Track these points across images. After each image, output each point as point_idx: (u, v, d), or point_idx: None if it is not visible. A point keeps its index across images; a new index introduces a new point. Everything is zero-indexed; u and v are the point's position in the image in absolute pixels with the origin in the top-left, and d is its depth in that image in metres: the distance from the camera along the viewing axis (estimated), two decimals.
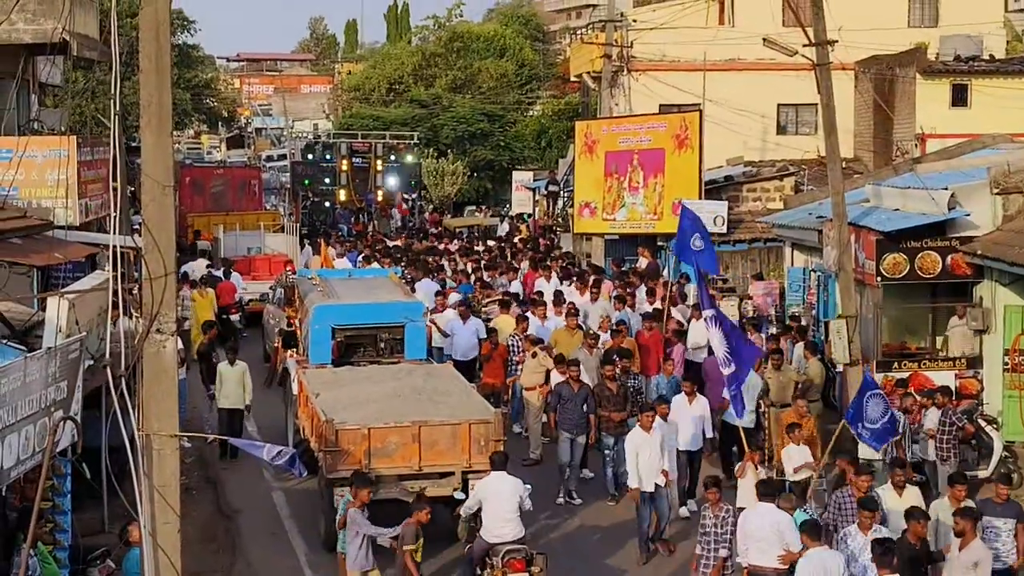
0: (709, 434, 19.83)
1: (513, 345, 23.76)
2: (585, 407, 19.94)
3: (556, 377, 21.39)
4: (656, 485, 17.57)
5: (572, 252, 39.00)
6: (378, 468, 16.98)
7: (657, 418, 17.81)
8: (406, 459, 17.16)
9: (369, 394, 18.64)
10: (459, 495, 16.72)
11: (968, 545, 13.71)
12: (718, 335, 17.81)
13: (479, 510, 15.62)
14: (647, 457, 17.45)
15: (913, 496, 15.30)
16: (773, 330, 25.72)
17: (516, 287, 30.00)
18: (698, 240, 23.85)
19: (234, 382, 22.54)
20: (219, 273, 34.05)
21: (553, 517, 19.34)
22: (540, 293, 27.80)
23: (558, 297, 26.73)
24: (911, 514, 14.11)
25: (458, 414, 17.73)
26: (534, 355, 22.56)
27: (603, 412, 19.99)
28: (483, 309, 27.37)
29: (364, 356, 21.41)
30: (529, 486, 15.92)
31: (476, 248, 40.64)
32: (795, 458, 17.70)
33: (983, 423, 20.37)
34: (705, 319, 18.64)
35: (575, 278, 29.71)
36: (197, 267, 36.47)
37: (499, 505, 15.31)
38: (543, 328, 24.57)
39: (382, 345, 21.48)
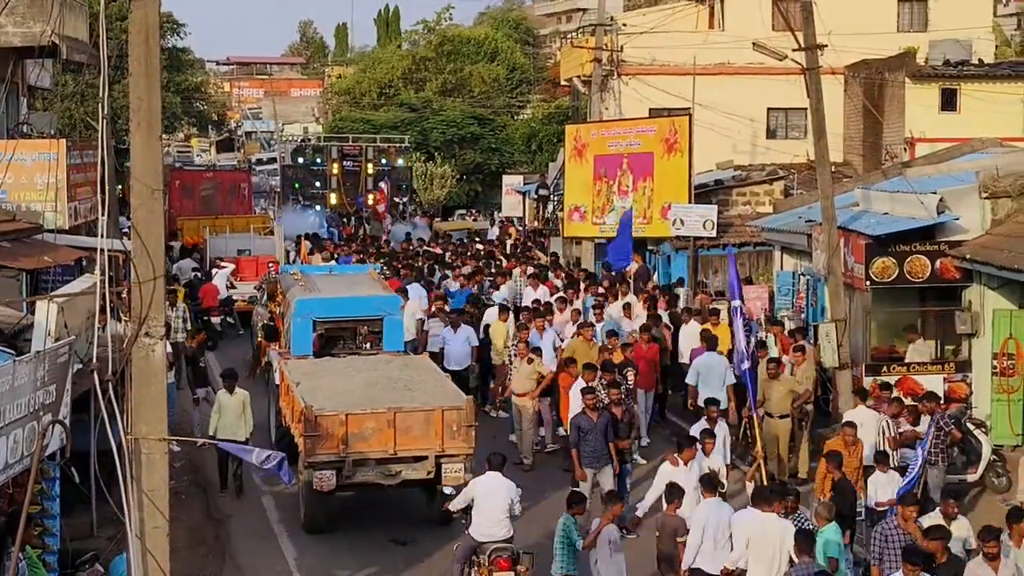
0: (727, 459, 18.27)
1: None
2: (606, 436, 18.38)
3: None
4: None
5: (551, 252, 38.94)
6: (355, 452, 17.73)
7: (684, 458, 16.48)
8: (382, 443, 17.89)
9: (347, 382, 19.43)
10: (448, 490, 17.00)
11: (1002, 565, 13.61)
12: (741, 328, 18.16)
13: (469, 507, 15.79)
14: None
15: (963, 527, 14.71)
16: (763, 335, 25.72)
17: (505, 292, 29.82)
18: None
19: (234, 413, 20.38)
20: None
21: (540, 518, 19.37)
22: (537, 302, 27.36)
23: (548, 307, 26.28)
24: (928, 532, 13.76)
25: (431, 401, 18.49)
26: (529, 361, 22.22)
27: None
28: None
29: (344, 348, 22.23)
30: (520, 490, 16.06)
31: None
32: (884, 487, 16.63)
33: (972, 427, 20.40)
34: (732, 308, 18.61)
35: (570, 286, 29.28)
36: (184, 266, 36.89)
37: (491, 505, 15.48)
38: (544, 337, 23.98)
39: (361, 337, 22.23)
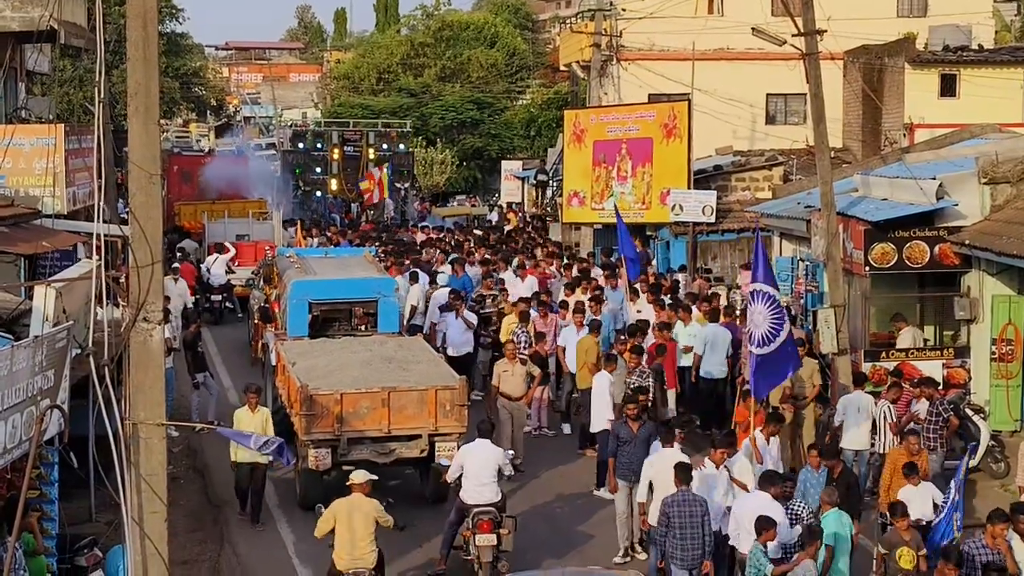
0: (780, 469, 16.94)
1: (514, 338, 23.16)
2: (648, 448, 17.16)
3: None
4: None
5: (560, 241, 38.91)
6: (350, 431, 18.05)
7: (709, 463, 15.93)
8: (376, 422, 18.24)
9: (342, 362, 19.70)
10: (444, 462, 17.70)
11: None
12: (763, 312, 17.54)
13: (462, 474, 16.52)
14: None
15: None
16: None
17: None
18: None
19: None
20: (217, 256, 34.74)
21: (530, 493, 19.70)
22: (537, 294, 26.70)
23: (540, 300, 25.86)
24: (944, 553, 13.26)
25: (425, 381, 18.82)
26: (523, 362, 21.48)
27: None
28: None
29: (339, 329, 22.48)
30: (511, 452, 17.46)
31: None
32: (913, 501, 15.37)
33: (970, 412, 20.41)
34: (752, 291, 17.85)
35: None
36: (187, 246, 37.83)
37: (478, 470, 16.27)
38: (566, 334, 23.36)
39: (356, 319, 22.53)
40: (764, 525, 13.72)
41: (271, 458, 16.45)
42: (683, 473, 14.83)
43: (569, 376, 23.30)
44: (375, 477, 15.34)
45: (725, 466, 16.03)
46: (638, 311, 25.41)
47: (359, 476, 15.05)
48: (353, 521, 14.66)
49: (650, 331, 23.31)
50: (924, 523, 15.24)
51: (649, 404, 19.12)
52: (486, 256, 33.53)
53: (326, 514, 14.82)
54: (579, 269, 30.32)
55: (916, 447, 16.64)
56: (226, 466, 20.22)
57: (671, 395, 22.41)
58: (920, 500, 15.52)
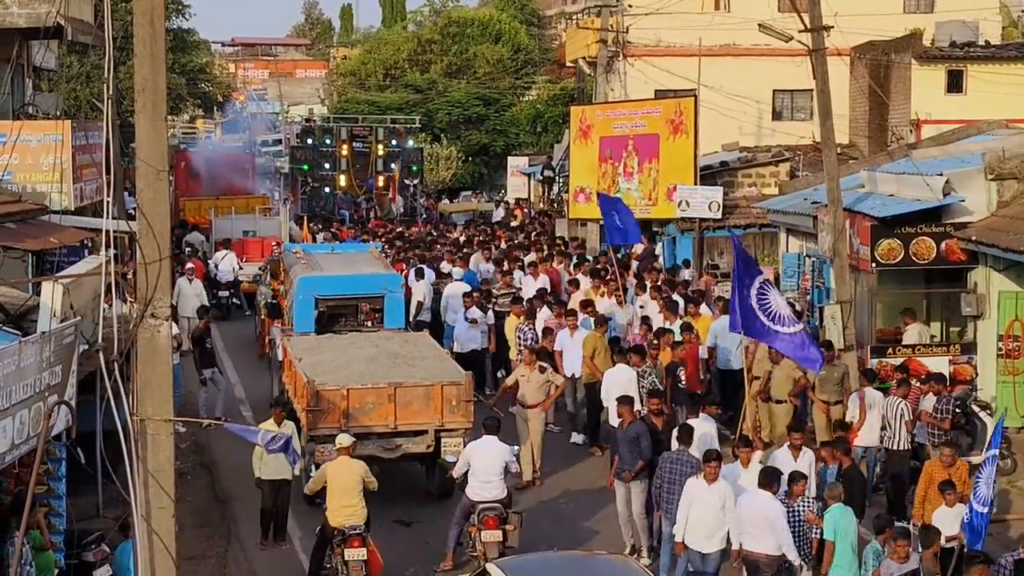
0: (813, 492, 15.97)
1: (520, 335, 23.20)
2: (639, 448, 17.06)
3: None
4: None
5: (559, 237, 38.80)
6: (356, 426, 18.03)
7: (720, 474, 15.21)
8: (382, 418, 18.31)
9: (349, 358, 19.80)
10: (451, 458, 17.90)
11: None
12: (777, 298, 18.10)
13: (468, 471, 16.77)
14: (699, 514, 15.06)
15: None
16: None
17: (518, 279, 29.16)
18: (617, 219, 26.04)
19: None
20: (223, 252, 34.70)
21: (538, 489, 19.76)
22: (543, 291, 26.41)
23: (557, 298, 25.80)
24: (970, 560, 13.08)
25: (431, 376, 18.91)
26: (542, 370, 20.61)
27: None
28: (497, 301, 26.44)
29: (345, 325, 22.54)
30: (517, 447, 17.72)
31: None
32: (947, 523, 14.87)
33: (977, 408, 20.40)
34: (760, 283, 18.02)
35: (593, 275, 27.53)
36: (194, 239, 37.85)
37: (484, 467, 16.50)
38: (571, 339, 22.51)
39: (363, 315, 22.58)
40: (884, 524, 14.37)
41: (295, 465, 16.78)
42: (684, 434, 16.18)
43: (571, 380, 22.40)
44: (355, 439, 16.62)
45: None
46: (640, 306, 25.31)
47: (344, 440, 16.26)
48: (343, 481, 15.66)
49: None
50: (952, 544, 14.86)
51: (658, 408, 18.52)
52: (499, 250, 33.52)
53: (317, 474, 16.18)
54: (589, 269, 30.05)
55: (949, 459, 16.09)
56: (233, 462, 20.30)
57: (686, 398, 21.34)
58: (953, 521, 14.98)
